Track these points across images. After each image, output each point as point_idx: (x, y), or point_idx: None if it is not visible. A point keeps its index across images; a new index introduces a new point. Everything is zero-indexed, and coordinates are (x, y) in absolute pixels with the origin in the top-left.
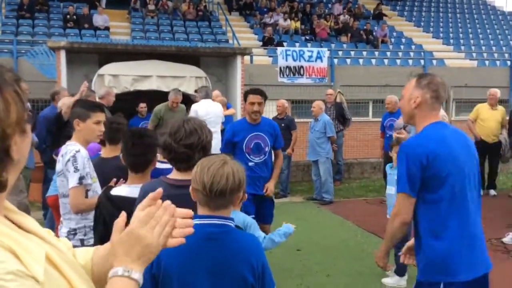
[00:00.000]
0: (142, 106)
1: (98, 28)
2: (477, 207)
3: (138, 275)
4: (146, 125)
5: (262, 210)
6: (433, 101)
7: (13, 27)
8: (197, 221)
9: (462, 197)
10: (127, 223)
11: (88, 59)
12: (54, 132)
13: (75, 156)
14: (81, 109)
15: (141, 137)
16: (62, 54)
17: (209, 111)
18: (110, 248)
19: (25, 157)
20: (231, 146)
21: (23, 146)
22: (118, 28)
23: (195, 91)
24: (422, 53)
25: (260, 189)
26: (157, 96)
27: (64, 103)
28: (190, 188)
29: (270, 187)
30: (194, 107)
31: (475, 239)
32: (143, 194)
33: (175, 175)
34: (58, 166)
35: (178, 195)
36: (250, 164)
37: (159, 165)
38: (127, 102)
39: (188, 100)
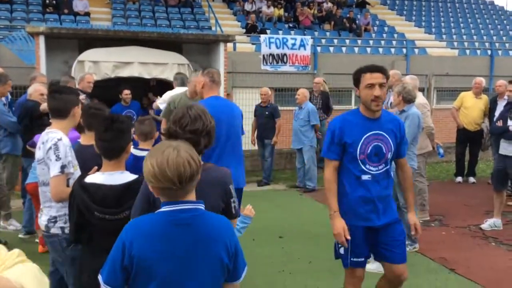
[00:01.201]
0: (127, 93)
1: (78, 13)
2: None
3: None
4: (130, 113)
5: None
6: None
7: None
8: (167, 208)
9: None
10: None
11: (68, 45)
12: (28, 121)
13: (56, 144)
14: (74, 96)
15: (113, 122)
16: (41, 40)
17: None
18: None
19: None
20: (340, 149)
21: None
22: (98, 13)
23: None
24: (405, 42)
25: (379, 217)
26: (138, 84)
27: (36, 89)
28: (150, 187)
29: (415, 224)
30: (168, 94)
31: None
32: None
33: None
34: (39, 154)
35: None
36: (365, 177)
37: (138, 153)
38: (107, 89)
39: (170, 88)
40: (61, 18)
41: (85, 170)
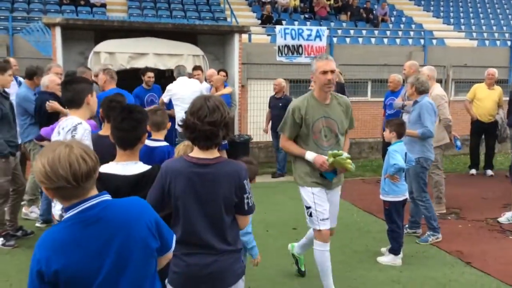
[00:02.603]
0: (150, 76)
1: (95, 5)
2: None
3: None
4: (152, 97)
5: None
6: None
7: (8, 3)
8: (72, 212)
9: None
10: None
11: (84, 36)
12: (43, 113)
13: (76, 126)
14: (86, 85)
15: (130, 112)
16: (58, 31)
17: (183, 89)
18: None
19: None
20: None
21: None
22: (114, 5)
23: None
24: (422, 33)
25: None
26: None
27: (51, 80)
28: (43, 189)
29: None
30: (169, 86)
31: None
32: (165, 170)
33: (197, 153)
34: (58, 139)
35: (200, 173)
36: None
37: (151, 143)
38: (122, 80)
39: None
40: (77, 10)
41: (101, 160)
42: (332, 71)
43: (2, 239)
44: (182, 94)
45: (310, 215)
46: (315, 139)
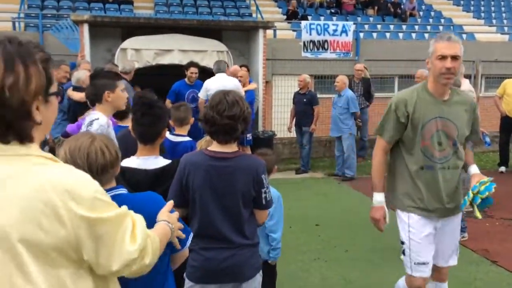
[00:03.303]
0: (193, 71)
1: (122, 2)
2: None
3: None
4: (193, 93)
5: None
6: None
7: (38, 1)
8: None
9: None
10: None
11: (111, 33)
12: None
13: (92, 122)
14: (107, 80)
15: (151, 107)
16: (85, 28)
17: (222, 86)
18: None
19: (50, 123)
20: None
21: (47, 113)
22: (141, 2)
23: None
24: (452, 27)
25: None
26: (177, 71)
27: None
28: None
29: None
30: (206, 82)
31: None
32: (184, 163)
33: (215, 147)
34: None
35: (218, 167)
36: None
37: (174, 138)
38: (147, 77)
39: (210, 75)
40: (105, 7)
41: (127, 154)
42: (455, 57)
43: None
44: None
45: (403, 253)
46: (424, 147)
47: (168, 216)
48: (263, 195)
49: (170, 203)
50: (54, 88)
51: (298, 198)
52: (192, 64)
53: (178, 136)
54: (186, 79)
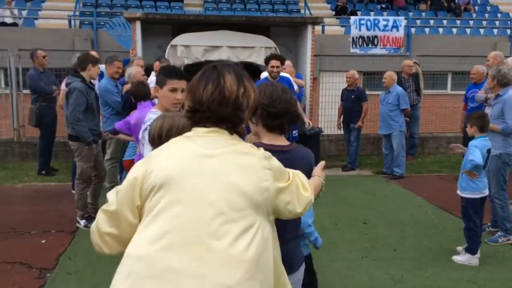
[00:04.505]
0: (274, 65)
1: (172, 0)
2: None
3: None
4: None
5: None
6: None
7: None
8: None
9: None
10: None
11: (162, 30)
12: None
13: (148, 118)
14: (161, 76)
15: None
16: (138, 25)
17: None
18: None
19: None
20: None
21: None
22: None
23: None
24: (509, 22)
25: None
26: None
27: (138, 70)
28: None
29: None
30: (262, 76)
31: None
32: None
33: (271, 140)
34: (139, 132)
35: (280, 160)
36: None
37: None
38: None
39: (258, 71)
40: (156, 5)
41: None
42: None
43: (84, 221)
44: None
45: None
46: None
47: (320, 173)
48: None
49: (323, 163)
50: None
51: (345, 196)
52: (272, 56)
53: None
54: (268, 76)
